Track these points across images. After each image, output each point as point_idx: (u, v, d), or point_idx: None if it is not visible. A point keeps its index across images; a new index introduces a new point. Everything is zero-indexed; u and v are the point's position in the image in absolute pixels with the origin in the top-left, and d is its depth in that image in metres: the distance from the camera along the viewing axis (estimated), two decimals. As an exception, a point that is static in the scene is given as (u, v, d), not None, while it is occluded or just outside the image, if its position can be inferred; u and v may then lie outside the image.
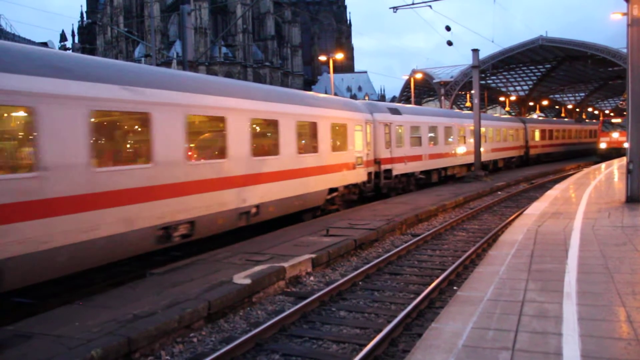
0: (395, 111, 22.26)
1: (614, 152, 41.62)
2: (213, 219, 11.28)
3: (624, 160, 32.21)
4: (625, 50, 15.76)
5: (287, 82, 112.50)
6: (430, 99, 77.58)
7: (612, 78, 62.61)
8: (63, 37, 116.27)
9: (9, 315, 7.89)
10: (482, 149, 29.68)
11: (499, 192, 24.66)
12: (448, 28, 28.32)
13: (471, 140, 29.47)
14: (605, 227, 11.46)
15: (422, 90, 70.93)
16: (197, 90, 11.24)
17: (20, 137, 8.14)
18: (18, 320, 7.25)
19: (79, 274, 9.24)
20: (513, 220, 15.14)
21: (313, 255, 10.72)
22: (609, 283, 7.16)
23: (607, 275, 7.56)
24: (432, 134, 25.70)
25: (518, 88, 74.91)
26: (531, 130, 42.51)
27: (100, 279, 10.19)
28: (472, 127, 29.56)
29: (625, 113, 16.67)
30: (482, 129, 30.20)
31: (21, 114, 7.82)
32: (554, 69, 63.65)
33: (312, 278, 10.20)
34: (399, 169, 21.82)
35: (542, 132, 45.30)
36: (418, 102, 68.89)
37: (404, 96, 68.67)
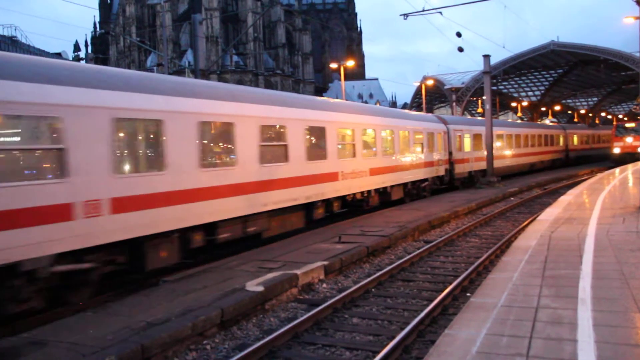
0: None
1: (628, 157, 41.20)
2: None
3: (638, 165, 31.84)
4: (638, 54, 15.64)
5: (298, 89, 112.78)
6: (442, 105, 77.46)
7: (626, 82, 62.11)
8: (77, 48, 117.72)
9: (24, 323, 7.97)
10: (349, 170, 16.28)
11: (512, 198, 24.52)
12: (459, 34, 28.28)
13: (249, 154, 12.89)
14: (619, 233, 11.36)
15: (434, 96, 70.84)
16: None
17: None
18: (33, 327, 7.33)
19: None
20: (526, 226, 15.05)
21: (325, 262, 10.71)
22: (624, 289, 7.09)
23: (623, 281, 7.49)
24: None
25: (530, 93, 74.58)
26: (456, 134, 27.08)
27: (113, 287, 10.25)
28: (279, 124, 13.41)
29: (639, 117, 16.53)
30: (347, 131, 16.79)
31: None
32: (566, 73, 63.31)
33: (324, 285, 10.19)
34: None
35: (477, 138, 29.86)
36: (429, 109, 68.78)
37: (415, 102, 68.58)
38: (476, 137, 29.62)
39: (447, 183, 25.93)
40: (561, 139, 46.66)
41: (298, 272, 9.86)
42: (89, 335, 6.78)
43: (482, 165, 29.76)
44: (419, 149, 22.21)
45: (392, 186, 19.55)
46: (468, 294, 9.22)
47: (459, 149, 27.22)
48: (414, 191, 22.13)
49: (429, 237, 15.18)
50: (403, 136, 20.86)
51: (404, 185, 20.93)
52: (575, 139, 50.56)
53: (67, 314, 8.23)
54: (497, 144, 32.10)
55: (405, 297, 9.55)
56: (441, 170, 24.67)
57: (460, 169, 27.19)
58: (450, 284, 9.79)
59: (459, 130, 27.54)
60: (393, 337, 7.21)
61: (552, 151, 44.04)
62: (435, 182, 24.60)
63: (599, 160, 52.79)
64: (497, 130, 32.38)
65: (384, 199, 19.40)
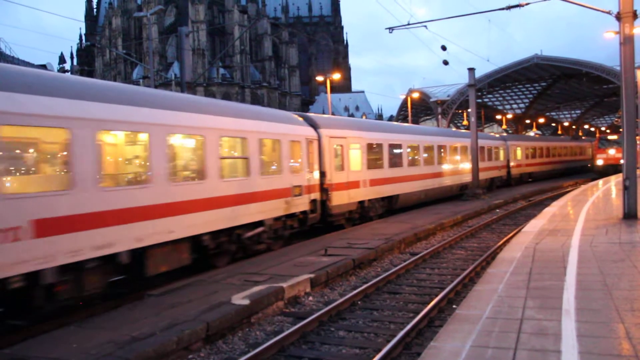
0: None
1: (611, 169, 41.72)
2: None
3: (621, 176, 32.34)
4: (619, 68, 15.92)
5: (284, 102, 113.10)
6: (428, 117, 78.00)
7: (608, 95, 63.02)
8: (62, 60, 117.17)
9: (5, 338, 7.85)
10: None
11: (497, 210, 24.67)
12: (444, 48, 28.53)
13: None
14: (603, 244, 11.47)
15: (420, 109, 71.35)
16: None
17: None
18: (15, 343, 7.22)
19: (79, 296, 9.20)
20: (511, 238, 15.14)
21: (312, 275, 10.70)
22: (607, 300, 7.16)
23: (606, 291, 7.56)
24: None
25: (515, 106, 75.41)
26: (333, 144, 17.31)
27: (98, 301, 10.14)
28: None
29: (621, 130, 16.79)
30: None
31: None
32: (550, 86, 64.12)
33: (310, 298, 10.17)
34: None
35: (376, 150, 20.41)
36: (415, 121, 69.25)
37: (402, 115, 69.03)
38: (373, 149, 20.20)
39: (318, 222, 16.76)
40: (501, 153, 37.10)
41: (284, 285, 9.83)
42: (73, 350, 6.70)
43: (387, 190, 20.86)
44: (241, 168, 13.00)
45: (145, 248, 9.81)
46: (454, 306, 9.24)
47: (340, 167, 17.67)
48: (229, 247, 12.40)
49: (415, 249, 15.22)
50: (184, 147, 11.63)
51: (196, 239, 11.16)
52: (519, 152, 40.29)
53: (51, 328, 8.13)
54: (392, 160, 21.47)
55: (392, 310, 9.55)
56: (301, 204, 15.31)
57: (341, 199, 17.46)
58: (436, 296, 9.83)
59: (339, 138, 17.69)
60: (379, 350, 7.21)
61: (490, 168, 33.82)
62: (287, 224, 14.88)
63: (556, 177, 47.12)
64: (403, 139, 22.90)
65: (126, 278, 10.33)
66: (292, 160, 15.07)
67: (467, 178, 29.59)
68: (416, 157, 24.00)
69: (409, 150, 23.27)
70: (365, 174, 19.19)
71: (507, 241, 14.81)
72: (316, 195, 16.31)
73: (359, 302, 9.97)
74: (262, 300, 9.06)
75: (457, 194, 28.90)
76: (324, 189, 16.69)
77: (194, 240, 11.19)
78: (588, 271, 8.92)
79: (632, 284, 7.97)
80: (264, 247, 13.86)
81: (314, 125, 16.90)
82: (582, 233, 13.14)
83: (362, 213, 19.31)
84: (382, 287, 11.04)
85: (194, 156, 11.82)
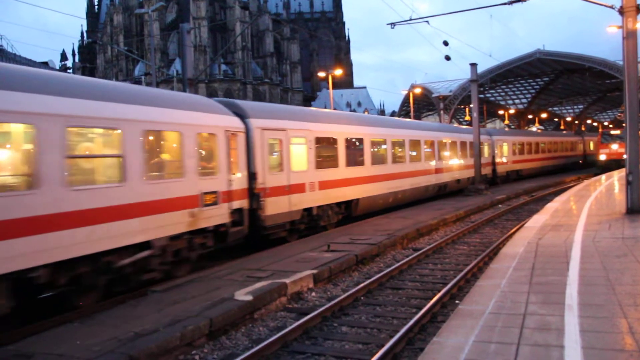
0: None
1: (614, 164, 41.61)
2: None
3: (623, 171, 32.25)
4: (622, 63, 15.88)
5: (287, 98, 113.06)
6: (430, 113, 77.84)
7: (610, 90, 62.78)
8: (64, 57, 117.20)
9: (9, 335, 7.87)
10: None
11: (500, 205, 24.66)
12: (446, 43, 28.45)
13: None
14: (606, 239, 11.46)
15: (422, 104, 71.15)
16: None
17: None
18: (18, 339, 7.25)
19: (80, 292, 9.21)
20: (514, 233, 15.14)
21: (314, 271, 10.70)
22: (610, 295, 7.15)
23: (609, 286, 7.55)
24: None
25: (517, 101, 75.14)
26: (268, 138, 13.90)
27: (101, 297, 10.16)
28: None
29: (623, 125, 16.75)
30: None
31: None
32: (552, 81, 63.86)
33: (313, 294, 10.18)
34: None
35: (328, 146, 16.87)
36: (417, 117, 69.14)
37: (404, 110, 68.89)
38: (325, 144, 16.75)
39: (245, 236, 13.20)
40: (486, 149, 33.69)
41: (287, 281, 9.84)
42: (76, 347, 6.72)
43: (343, 194, 17.27)
44: (112, 171, 9.60)
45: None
46: (457, 302, 9.24)
47: (278, 166, 14.38)
48: (95, 281, 9.31)
49: (417, 245, 15.22)
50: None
51: (26, 276, 7.83)
52: (505, 148, 37.06)
53: (54, 325, 8.16)
54: (356, 157, 18.36)
55: (395, 305, 9.56)
56: (217, 215, 12.02)
57: (279, 207, 14.15)
58: (439, 291, 9.83)
59: (276, 131, 14.37)
60: (382, 346, 7.22)
61: (472, 166, 29.76)
62: (194, 244, 11.43)
63: (546, 175, 44.40)
64: (364, 132, 19.10)
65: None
66: (203, 159, 11.75)
67: (448, 177, 26.80)
68: (383, 153, 20.50)
69: (373, 146, 19.60)
70: (313, 175, 15.69)
71: (510, 236, 14.80)
72: (242, 203, 12.88)
73: (362, 298, 9.99)
74: (265, 296, 9.08)
75: (445, 193, 26.98)
76: (254, 194, 13.36)
77: (23, 278, 7.76)
78: (591, 266, 8.92)
79: (635, 279, 7.97)
80: (157, 276, 10.45)
81: (241, 114, 13.44)
82: (584, 228, 13.13)
83: (310, 223, 15.79)
84: (385, 283, 11.05)
85: (17, 155, 8.30)
